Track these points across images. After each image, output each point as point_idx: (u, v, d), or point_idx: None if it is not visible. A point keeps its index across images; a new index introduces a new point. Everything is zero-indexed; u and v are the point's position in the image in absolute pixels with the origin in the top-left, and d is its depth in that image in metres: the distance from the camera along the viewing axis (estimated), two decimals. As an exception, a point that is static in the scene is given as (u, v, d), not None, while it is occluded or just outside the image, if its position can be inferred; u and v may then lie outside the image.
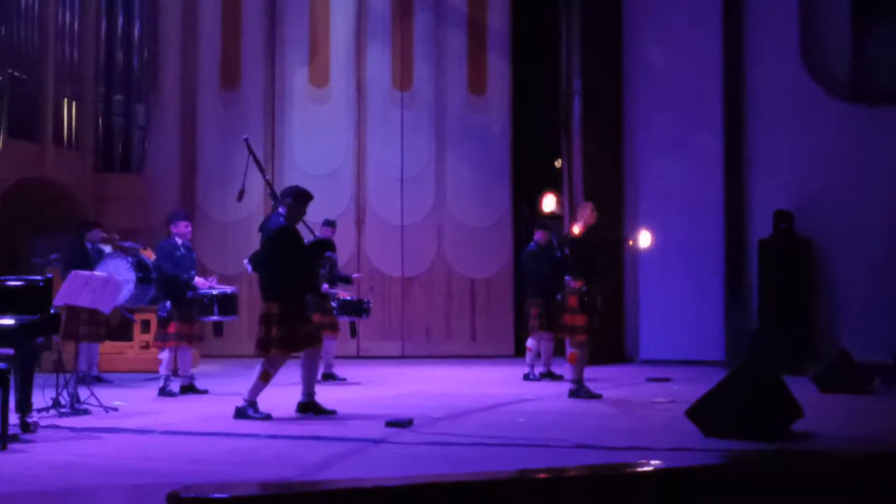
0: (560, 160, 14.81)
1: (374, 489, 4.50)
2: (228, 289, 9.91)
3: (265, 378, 7.72)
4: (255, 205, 13.65)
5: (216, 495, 4.02)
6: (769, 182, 13.27)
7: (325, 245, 8.16)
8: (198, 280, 9.74)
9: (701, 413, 6.87)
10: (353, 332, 11.72)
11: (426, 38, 15.50)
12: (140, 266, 10.70)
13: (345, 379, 11.04)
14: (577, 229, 9.26)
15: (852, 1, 13.15)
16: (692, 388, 8.83)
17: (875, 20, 13.15)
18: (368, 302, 11.36)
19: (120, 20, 15.04)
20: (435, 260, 15.32)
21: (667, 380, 11.06)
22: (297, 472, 5.55)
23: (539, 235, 11.34)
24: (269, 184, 8.46)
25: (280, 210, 7.90)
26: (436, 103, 15.43)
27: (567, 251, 9.73)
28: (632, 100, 14.23)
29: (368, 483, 4.86)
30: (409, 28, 15.50)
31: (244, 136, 8.65)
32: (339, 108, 15.45)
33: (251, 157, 8.24)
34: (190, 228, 10.01)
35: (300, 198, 7.92)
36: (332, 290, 10.89)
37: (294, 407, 7.97)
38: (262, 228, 7.96)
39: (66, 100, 14.36)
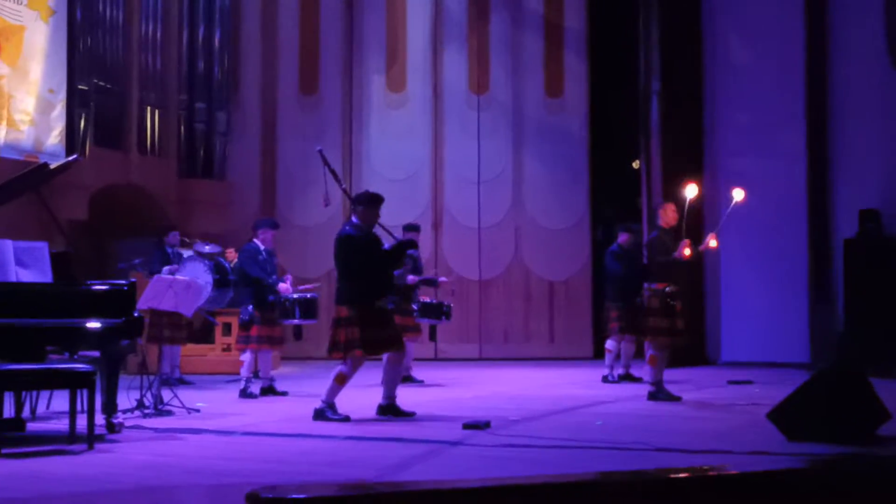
0: (638, 161, 14.69)
1: (452, 490, 4.47)
2: (310, 293, 9.98)
3: (341, 380, 7.75)
4: (335, 209, 13.78)
5: (295, 496, 4.03)
6: (855, 181, 12.98)
7: (408, 244, 8.18)
8: (280, 285, 9.83)
9: (783, 416, 6.74)
10: (433, 336, 11.76)
11: (502, 40, 15.48)
12: (218, 269, 10.85)
13: (423, 381, 11.06)
14: (687, 251, 9.09)
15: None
16: (775, 390, 8.70)
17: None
18: (449, 305, 11.35)
19: (201, 29, 15.28)
20: (512, 262, 15.29)
21: (749, 382, 10.88)
22: (375, 473, 5.56)
23: (623, 238, 11.24)
24: (346, 192, 8.59)
25: (352, 218, 7.94)
26: (512, 106, 15.41)
27: (647, 254, 9.62)
28: (712, 99, 14.06)
29: (446, 484, 4.83)
30: (484, 31, 15.50)
31: (318, 148, 8.75)
32: (416, 113, 15.51)
33: (326, 168, 8.35)
34: (272, 235, 10.08)
35: (371, 202, 7.95)
36: (415, 284, 10.84)
37: (374, 409, 7.99)
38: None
39: (149, 108, 14.66)
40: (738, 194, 9.43)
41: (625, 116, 14.94)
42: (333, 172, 8.51)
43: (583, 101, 15.37)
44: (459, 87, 15.48)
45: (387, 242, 8.08)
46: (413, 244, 8.37)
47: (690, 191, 9.32)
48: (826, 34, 13.33)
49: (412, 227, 10.99)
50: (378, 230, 8.07)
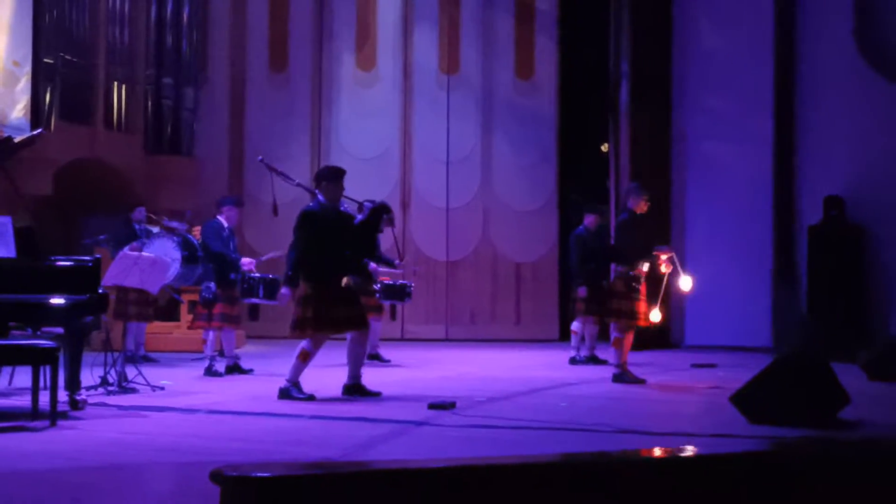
0: (607, 144, 14.72)
1: (416, 470, 4.47)
2: (272, 275, 9.94)
3: (304, 358, 7.77)
4: (301, 190, 13.70)
5: (259, 474, 4.01)
6: (820, 167, 13.08)
7: (382, 209, 8.12)
8: (244, 260, 9.82)
9: (746, 399, 6.81)
10: (393, 316, 11.82)
11: (473, 21, 15.44)
12: (186, 245, 10.78)
13: (389, 361, 11.08)
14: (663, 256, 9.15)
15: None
16: (738, 374, 8.76)
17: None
18: (410, 286, 11.35)
19: (170, 4, 15.07)
20: (480, 243, 15.30)
21: (712, 365, 10.98)
22: (340, 453, 5.58)
23: (589, 219, 11.28)
24: (302, 186, 8.64)
25: (318, 196, 7.92)
26: (482, 86, 15.38)
27: (616, 235, 9.67)
28: (681, 83, 14.11)
29: (410, 464, 4.84)
30: (456, 11, 15.45)
31: (259, 157, 8.83)
32: (386, 92, 15.46)
33: (273, 175, 8.41)
34: (236, 213, 10.08)
35: (334, 177, 7.96)
36: (377, 269, 10.84)
37: (340, 388, 8.00)
38: None
39: (116, 83, 14.48)
40: (685, 284, 9.44)
41: (594, 99, 14.95)
42: (281, 174, 8.61)
43: (553, 83, 15.37)
44: (430, 66, 15.43)
45: (357, 217, 8.08)
46: (386, 209, 8.30)
47: (685, 284, 9.35)
48: (795, 21, 13.39)
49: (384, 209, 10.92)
50: (345, 204, 8.08)
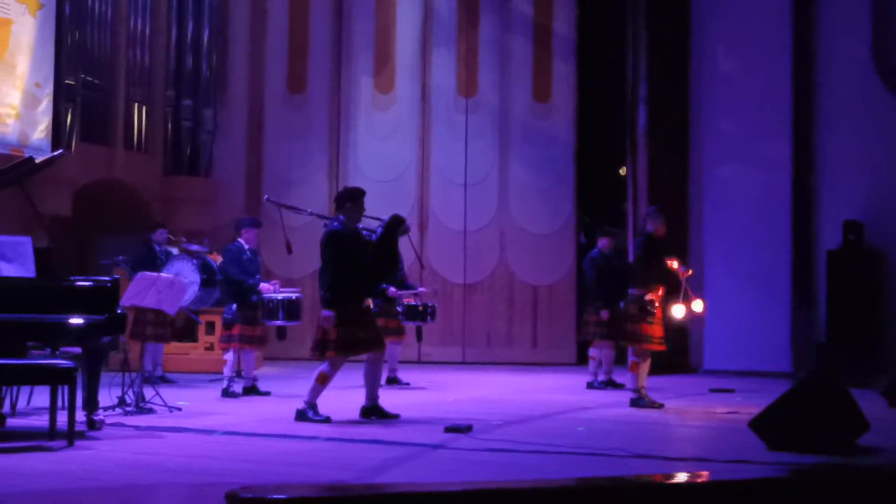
0: (624, 167, 14.72)
1: (430, 493, 4.47)
2: (293, 294, 9.95)
3: (322, 381, 7.76)
4: (320, 209, 13.74)
5: (274, 496, 4.02)
6: (839, 192, 13.05)
7: (396, 221, 8.11)
8: (263, 285, 9.82)
9: (764, 425, 6.77)
10: (419, 337, 11.78)
11: (491, 44, 15.49)
12: (205, 268, 10.83)
13: (408, 384, 11.08)
14: (675, 264, 9.13)
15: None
16: (756, 399, 8.74)
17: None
18: (433, 306, 11.38)
19: (190, 26, 15.25)
20: (497, 266, 15.30)
21: (730, 391, 10.92)
22: (355, 475, 5.57)
23: (603, 243, 11.28)
24: (315, 214, 8.73)
25: (340, 217, 7.95)
26: (500, 109, 15.42)
27: (631, 259, 9.66)
28: (698, 106, 14.11)
29: (425, 487, 4.84)
30: (474, 35, 15.51)
31: (265, 197, 8.95)
32: (404, 114, 15.51)
33: (281, 211, 8.73)
34: (255, 234, 10.09)
35: (356, 197, 7.98)
36: (399, 294, 10.87)
37: (357, 410, 7.99)
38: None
39: (136, 104, 14.64)
40: (697, 306, 9.42)
41: (612, 122, 14.96)
42: (291, 207, 8.86)
43: (570, 106, 15.39)
44: (448, 89, 15.49)
45: (376, 234, 8.09)
46: (400, 221, 8.28)
47: (678, 311, 9.32)
48: (813, 46, 13.39)
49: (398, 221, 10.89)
50: (365, 222, 8.16)
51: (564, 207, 15.26)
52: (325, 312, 7.70)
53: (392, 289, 10.59)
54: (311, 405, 7.77)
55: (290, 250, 8.84)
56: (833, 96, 13.21)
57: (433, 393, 10.52)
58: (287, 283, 11.44)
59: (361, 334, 7.77)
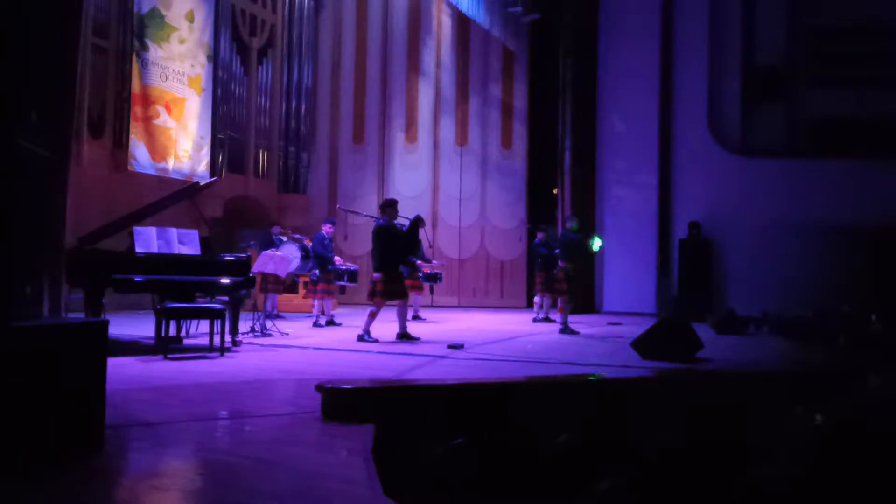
0: (556, 189, 14.66)
1: (440, 386, 4.49)
2: (353, 267, 9.92)
3: (372, 316, 7.73)
4: (371, 212, 13.72)
5: (346, 387, 4.04)
6: (686, 203, 13.01)
7: (417, 220, 8.12)
8: (336, 259, 9.79)
9: (640, 344, 6.78)
10: (432, 291, 11.77)
11: (476, 112, 15.38)
12: (303, 249, 10.82)
13: (425, 319, 11.03)
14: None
15: (742, 89, 12.82)
16: (635, 329, 8.70)
17: (757, 100, 12.84)
18: (441, 274, 11.34)
19: (294, 102, 15.23)
20: (479, 249, 15.23)
21: (619, 324, 10.88)
22: (393, 374, 5.57)
23: (540, 235, 11.23)
24: (368, 216, 8.71)
25: (384, 217, 7.92)
26: (481, 153, 15.31)
27: (558, 245, 9.62)
28: (602, 151, 14.01)
29: (437, 381, 4.86)
30: (465, 106, 15.41)
31: (338, 206, 8.93)
32: (423, 156, 15.41)
33: (348, 213, 8.58)
34: (331, 229, 10.04)
35: (393, 204, 7.93)
36: (420, 264, 10.78)
37: (394, 335, 7.97)
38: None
39: (261, 150, 14.62)
40: (596, 243, 9.40)
41: (550, 161, 14.88)
42: (354, 212, 8.80)
43: (523, 150, 15.27)
44: (450, 140, 15.38)
45: (406, 226, 8.06)
46: (420, 219, 8.26)
47: (596, 243, 9.29)
48: (671, 110, 13.33)
49: (419, 221, 10.88)
50: (399, 220, 8.08)
51: (519, 212, 15.18)
52: (376, 274, 7.70)
53: (417, 261, 10.55)
54: (367, 332, 7.75)
55: (345, 238, 8.83)
56: (683, 145, 13.15)
57: (440, 325, 10.47)
58: (349, 258, 11.42)
59: (396, 288, 7.75)
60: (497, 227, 15.26)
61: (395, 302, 7.90)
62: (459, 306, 14.98)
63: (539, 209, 15.41)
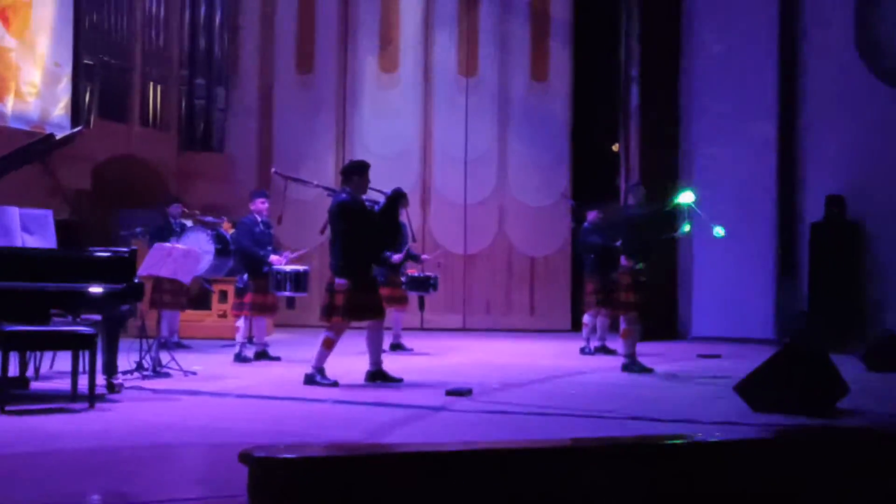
0: (617, 144, 14.67)
1: (432, 453, 4.47)
2: (303, 268, 9.90)
3: (328, 345, 7.75)
4: (327, 183, 13.69)
5: (286, 455, 4.02)
6: (822, 167, 13.00)
7: (397, 195, 8.09)
8: (273, 258, 9.78)
9: (749, 389, 6.77)
10: (422, 306, 11.80)
11: (491, 26, 15.40)
12: (219, 239, 10.80)
13: (412, 349, 11.07)
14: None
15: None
16: (741, 364, 8.71)
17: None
18: (435, 277, 11.33)
19: (203, 8, 15.21)
20: (496, 238, 15.28)
21: (717, 356, 10.91)
22: (361, 435, 5.57)
23: (592, 215, 11.25)
24: (321, 186, 8.83)
25: (346, 189, 7.91)
26: (499, 89, 15.35)
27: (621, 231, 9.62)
28: (688, 86, 14.03)
29: (427, 447, 4.83)
30: (474, 17, 15.42)
31: (273, 169, 8.94)
32: (407, 93, 15.45)
33: (289, 183, 8.89)
34: (266, 205, 10.03)
35: (361, 170, 7.92)
36: (399, 259, 10.73)
37: (363, 375, 7.98)
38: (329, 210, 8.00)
39: (151, 83, 14.58)
40: (718, 231, 9.48)
41: (606, 101, 14.89)
42: (298, 180, 9.08)
43: (566, 85, 15.32)
44: (449, 69, 15.41)
45: (379, 205, 8.07)
46: (401, 193, 8.27)
47: (686, 197, 9.33)
48: (798, 24, 13.31)
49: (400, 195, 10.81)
50: (369, 194, 8.15)
51: (561, 182, 15.20)
52: (339, 280, 7.69)
53: (396, 256, 10.52)
54: (319, 369, 7.77)
55: (279, 222, 9.03)
56: (817, 78, 13.13)
57: (435, 358, 10.52)
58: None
59: (366, 302, 7.76)
60: (525, 204, 15.29)
61: (365, 323, 7.94)
62: (465, 329, 15.04)
63: (590, 175, 15.44)
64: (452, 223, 15.23)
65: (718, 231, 9.52)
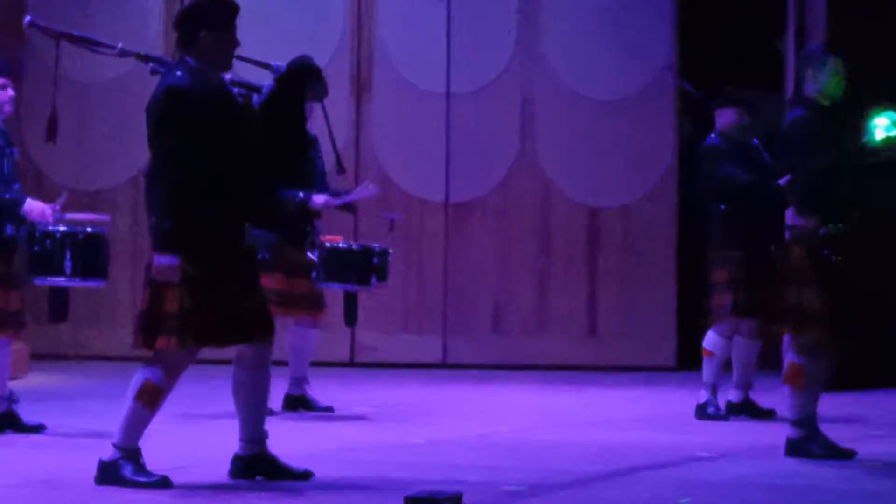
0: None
1: None
2: (93, 222, 9.95)
3: (149, 400, 7.76)
4: (146, 48, 13.78)
5: None
6: None
7: (304, 69, 8.16)
8: (31, 204, 9.77)
9: None
10: (351, 316, 11.80)
11: None
12: None
13: (331, 408, 11.25)
14: None
15: None
16: None
17: None
18: (385, 252, 11.42)
19: None
20: (513, 168, 15.39)
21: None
22: None
23: (726, 117, 11.38)
24: (129, 53, 8.83)
25: (186, 59, 7.86)
26: None
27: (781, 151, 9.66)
28: None
29: None
30: None
31: (27, 18, 9.64)
32: None
33: (60, 47, 9.07)
34: (11, 99, 10.17)
35: (221, 17, 7.92)
36: (318, 211, 11.09)
37: (228, 463, 7.99)
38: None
39: None
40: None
41: None
42: (82, 40, 9.30)
43: None
44: None
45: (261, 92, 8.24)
46: (311, 67, 8.44)
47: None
48: None
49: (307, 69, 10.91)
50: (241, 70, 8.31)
51: (656, 48, 15.29)
52: (161, 259, 7.67)
53: (321, 198, 10.77)
54: (129, 452, 7.73)
55: (52, 135, 8.93)
56: None
57: (385, 426, 10.74)
58: (82, 202, 11.46)
59: (231, 307, 7.78)
60: (577, 93, 15.39)
61: (233, 351, 7.98)
62: (444, 364, 15.29)
63: (718, 35, 15.51)
64: (420, 133, 15.47)
65: None
